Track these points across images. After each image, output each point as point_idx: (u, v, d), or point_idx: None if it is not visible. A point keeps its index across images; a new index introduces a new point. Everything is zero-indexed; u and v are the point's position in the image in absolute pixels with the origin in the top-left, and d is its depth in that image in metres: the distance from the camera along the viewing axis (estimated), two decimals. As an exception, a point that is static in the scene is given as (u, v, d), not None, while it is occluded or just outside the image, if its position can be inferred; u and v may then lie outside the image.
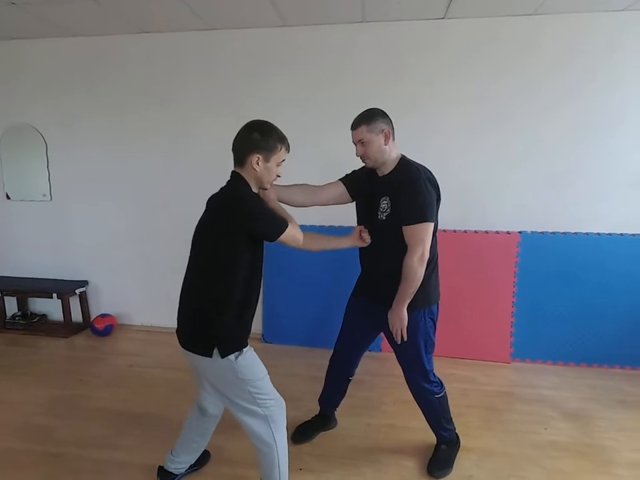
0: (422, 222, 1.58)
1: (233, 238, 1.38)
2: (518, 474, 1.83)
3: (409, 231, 1.61)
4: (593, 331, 2.83)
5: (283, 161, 1.49)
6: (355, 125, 1.68)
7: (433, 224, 1.62)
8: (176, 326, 1.52)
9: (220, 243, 1.39)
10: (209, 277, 1.42)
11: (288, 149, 1.49)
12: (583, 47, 2.71)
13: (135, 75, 3.17)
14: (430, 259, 1.70)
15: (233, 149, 1.47)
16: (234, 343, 1.43)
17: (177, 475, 1.74)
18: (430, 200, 1.61)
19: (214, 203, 1.46)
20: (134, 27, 3.00)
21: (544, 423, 2.21)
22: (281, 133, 1.47)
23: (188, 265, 1.52)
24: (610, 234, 2.80)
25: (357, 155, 1.71)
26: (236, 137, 1.46)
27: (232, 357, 1.41)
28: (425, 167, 1.69)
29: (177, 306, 1.51)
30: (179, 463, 1.73)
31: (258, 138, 1.42)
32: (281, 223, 1.45)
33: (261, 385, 1.47)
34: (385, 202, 1.67)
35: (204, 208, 1.50)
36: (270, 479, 1.54)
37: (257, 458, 1.56)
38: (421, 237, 1.59)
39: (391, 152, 1.69)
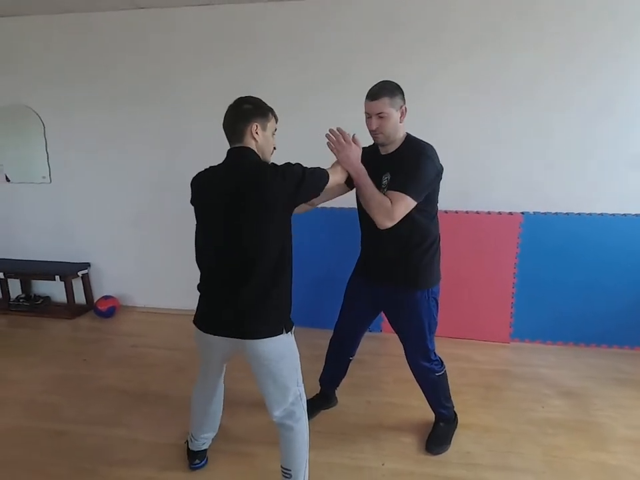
0: (407, 194, 1.53)
1: (282, 212, 1.35)
2: (514, 450, 1.86)
3: (393, 195, 1.54)
4: (592, 311, 2.84)
5: (275, 130, 1.49)
6: (375, 95, 1.56)
7: (414, 203, 1.55)
8: (203, 318, 1.48)
9: (272, 222, 1.33)
10: (268, 261, 1.35)
11: (277, 119, 1.49)
12: (589, 32, 2.64)
13: (130, 53, 3.11)
14: (432, 240, 1.70)
15: (227, 127, 1.43)
16: (290, 320, 1.47)
17: (206, 449, 1.80)
18: (426, 180, 1.57)
19: (230, 182, 1.35)
20: (129, 3, 2.92)
21: (540, 400, 2.24)
22: (267, 103, 1.47)
23: (217, 254, 1.40)
24: (613, 214, 2.77)
25: (371, 129, 1.61)
26: (226, 115, 1.43)
27: (291, 332, 1.45)
28: (431, 145, 1.65)
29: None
30: (204, 439, 1.76)
31: (251, 107, 1.41)
32: (322, 171, 1.45)
33: (299, 361, 1.51)
34: (385, 179, 1.64)
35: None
36: (301, 459, 1.52)
37: (282, 441, 1.52)
38: (402, 207, 1.53)
39: (402, 130, 1.65)
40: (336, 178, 1.54)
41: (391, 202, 1.53)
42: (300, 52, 2.93)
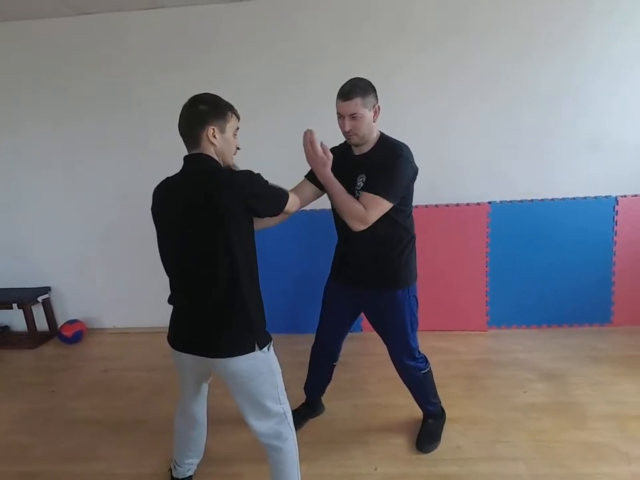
0: (383, 197, 1.50)
1: (239, 222, 1.26)
2: (502, 439, 1.88)
3: (368, 197, 1.51)
4: (562, 293, 2.92)
5: (237, 129, 1.38)
6: (347, 95, 1.50)
7: (390, 205, 1.53)
8: (173, 335, 1.40)
9: (226, 232, 1.24)
10: (227, 271, 1.26)
11: (238, 117, 1.38)
12: (548, 14, 2.70)
13: (79, 61, 2.94)
14: (409, 239, 1.69)
15: (182, 132, 1.33)
16: (266, 334, 1.37)
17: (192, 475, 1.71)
18: (403, 182, 1.55)
19: (185, 192, 1.27)
20: (73, 9, 2.76)
21: (523, 385, 2.28)
22: (226, 101, 1.35)
23: (178, 266, 1.34)
24: (574, 198, 2.87)
25: (344, 130, 1.56)
26: (181, 117, 1.32)
27: (266, 348, 1.34)
28: (406, 145, 1.62)
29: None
30: (189, 465, 1.68)
31: (205, 109, 1.29)
32: (282, 191, 1.39)
33: (280, 378, 1.42)
34: (360, 180, 1.60)
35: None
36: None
37: (271, 463, 1.45)
38: (379, 210, 1.51)
39: (375, 129, 1.61)
40: (295, 200, 1.48)
41: (366, 205, 1.50)
42: (263, 51, 2.85)
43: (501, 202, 2.90)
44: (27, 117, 3.05)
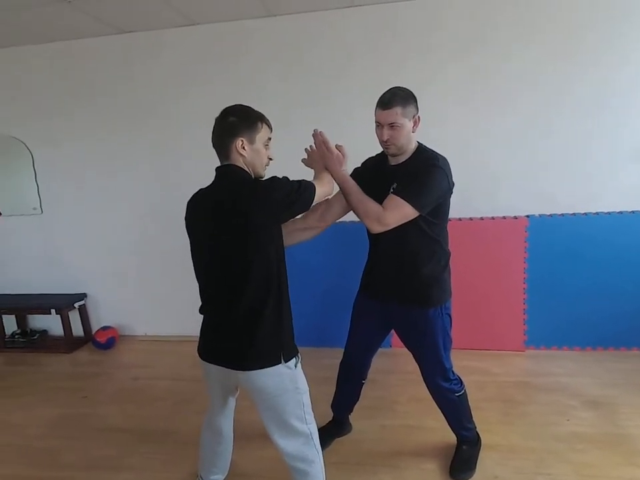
0: (407, 201, 1.44)
1: (268, 231, 1.25)
2: (544, 471, 1.75)
3: (391, 199, 1.46)
4: (607, 313, 2.74)
5: (269, 139, 1.37)
6: (388, 104, 1.46)
7: (416, 214, 1.46)
8: (202, 345, 1.40)
9: (255, 241, 1.24)
10: (254, 281, 1.25)
11: (270, 127, 1.37)
12: (587, 25, 2.58)
13: (116, 78, 3.05)
14: (443, 255, 1.63)
15: (214, 144, 1.34)
16: (293, 347, 1.35)
17: None
18: (434, 192, 1.48)
19: (216, 201, 1.28)
20: (112, 27, 2.88)
21: (565, 413, 2.13)
22: (257, 111, 1.35)
23: (208, 275, 1.35)
24: (621, 212, 2.69)
25: (382, 139, 1.51)
26: (213, 130, 1.34)
27: (292, 363, 1.31)
28: (444, 157, 1.56)
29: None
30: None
31: (235, 120, 1.30)
32: (308, 184, 1.35)
33: (307, 397, 1.38)
34: (392, 188, 1.54)
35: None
36: None
37: None
38: (400, 214, 1.45)
39: (414, 139, 1.57)
40: (324, 189, 1.44)
41: (386, 205, 1.46)
42: (292, 65, 2.87)
43: (540, 215, 2.76)
44: (66, 132, 3.18)
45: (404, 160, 1.58)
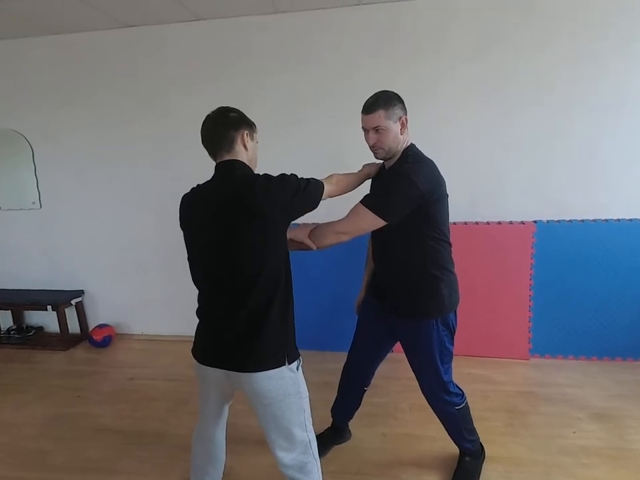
0: (372, 210, 1.39)
1: (276, 229, 1.21)
2: (550, 486, 1.70)
3: (354, 208, 1.44)
4: (614, 322, 2.68)
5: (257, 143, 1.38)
6: (370, 109, 1.45)
7: (381, 222, 1.40)
8: (199, 347, 1.35)
9: (265, 240, 1.19)
10: (262, 282, 1.19)
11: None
12: (601, 29, 2.52)
13: (119, 72, 3.01)
14: (442, 266, 1.55)
15: (212, 138, 1.29)
16: (296, 350, 1.30)
17: None
18: (400, 201, 1.40)
19: (218, 198, 1.22)
20: (116, 21, 2.83)
21: (572, 425, 2.06)
22: None
23: (208, 274, 1.28)
24: (631, 219, 2.63)
25: (369, 144, 1.50)
26: (208, 128, 1.30)
27: (294, 365, 1.27)
28: (429, 161, 1.50)
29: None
30: None
31: (237, 115, 1.30)
32: (317, 182, 1.32)
33: (307, 402, 1.33)
34: None
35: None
36: None
37: None
38: (357, 221, 1.41)
39: (404, 142, 1.51)
40: (331, 188, 1.41)
41: (348, 214, 1.44)
42: (296, 64, 2.82)
43: (548, 221, 2.70)
44: (67, 126, 3.13)
45: (392, 164, 1.54)
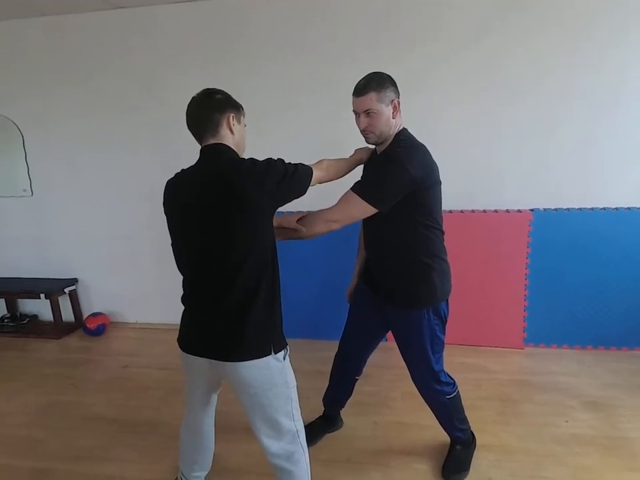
0: (363, 198, 1.35)
1: (262, 215, 1.18)
2: (540, 474, 1.70)
3: (345, 195, 1.40)
4: (610, 312, 2.67)
5: (245, 126, 1.34)
6: (361, 91, 1.40)
7: (372, 210, 1.36)
8: (184, 337, 1.32)
9: (253, 226, 1.17)
10: (248, 270, 1.17)
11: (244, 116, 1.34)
12: (599, 19, 2.45)
13: (111, 56, 2.93)
14: (434, 254, 1.52)
15: (197, 121, 1.25)
16: (282, 338, 1.28)
17: None
18: (390, 187, 1.36)
19: (203, 182, 1.18)
20: (107, 3, 2.75)
21: (564, 414, 2.06)
22: None
23: (192, 262, 1.25)
24: (629, 208, 2.60)
25: (360, 127, 1.45)
26: (193, 110, 1.26)
27: (280, 355, 1.25)
28: (422, 146, 1.45)
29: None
30: (195, 478, 1.58)
31: (222, 97, 1.26)
32: (305, 167, 1.28)
33: (295, 392, 1.32)
34: None
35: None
36: None
37: None
38: (348, 209, 1.38)
39: (396, 126, 1.47)
40: (320, 174, 1.37)
41: (338, 201, 1.41)
42: (292, 47, 2.74)
43: (545, 210, 2.67)
44: (58, 112, 3.07)
45: (384, 149, 1.49)
